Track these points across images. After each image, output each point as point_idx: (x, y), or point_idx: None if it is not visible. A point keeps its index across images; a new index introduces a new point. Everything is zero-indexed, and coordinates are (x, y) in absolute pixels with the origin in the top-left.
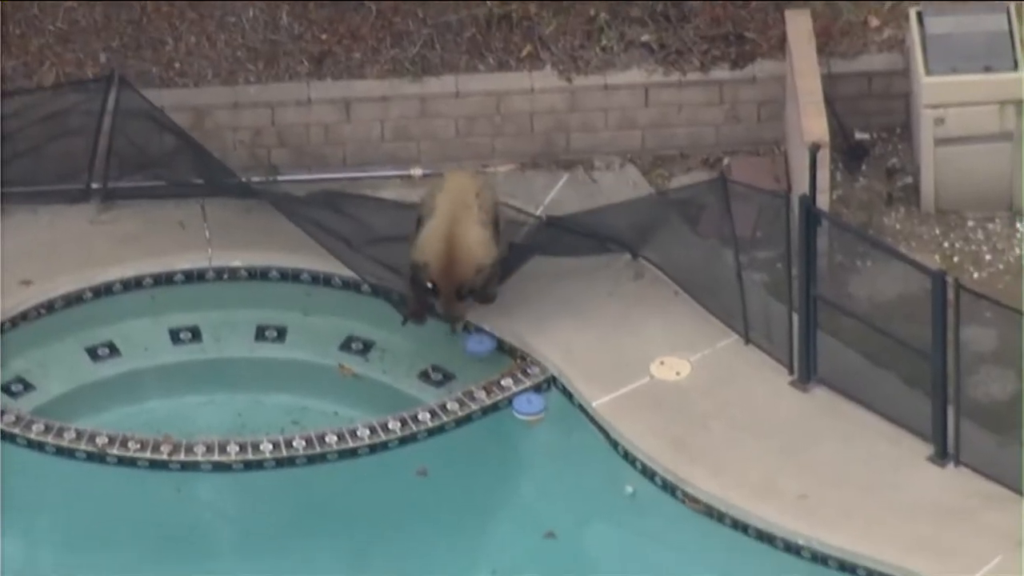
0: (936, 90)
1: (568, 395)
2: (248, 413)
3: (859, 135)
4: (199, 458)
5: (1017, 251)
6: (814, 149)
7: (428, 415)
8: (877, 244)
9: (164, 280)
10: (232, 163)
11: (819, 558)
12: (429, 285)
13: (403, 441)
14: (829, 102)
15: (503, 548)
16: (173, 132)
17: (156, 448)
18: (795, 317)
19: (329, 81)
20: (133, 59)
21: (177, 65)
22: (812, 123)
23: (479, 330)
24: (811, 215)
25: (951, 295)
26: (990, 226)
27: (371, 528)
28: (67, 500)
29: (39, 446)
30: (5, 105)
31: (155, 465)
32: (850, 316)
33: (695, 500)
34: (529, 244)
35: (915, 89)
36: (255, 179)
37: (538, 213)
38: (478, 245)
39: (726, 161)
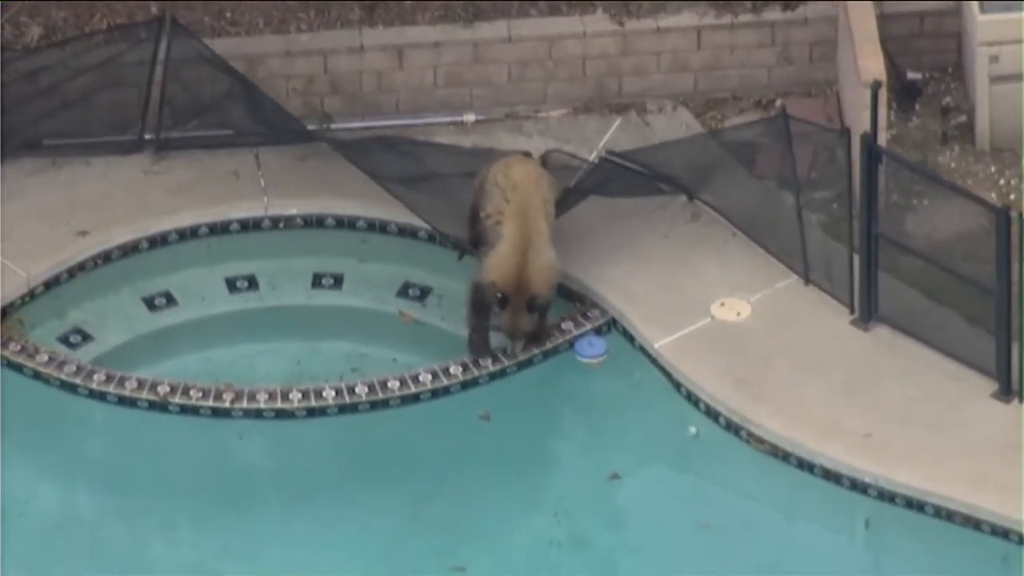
0: (991, 28)
1: (629, 337)
2: (307, 361)
3: (911, 75)
4: (262, 406)
5: None
6: (875, 86)
7: (489, 360)
8: (940, 181)
9: (220, 229)
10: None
11: (886, 496)
12: (498, 296)
13: (465, 386)
14: (881, 42)
15: (566, 491)
16: (227, 73)
17: (218, 396)
18: (855, 256)
19: (381, 28)
20: (184, 9)
21: (228, 14)
22: (869, 62)
23: None
24: (873, 152)
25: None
26: None
27: (433, 473)
28: (129, 449)
29: (100, 396)
30: (56, 55)
31: (217, 413)
32: (912, 254)
33: (760, 440)
34: (585, 184)
35: (968, 28)
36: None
37: (592, 158)
38: (549, 268)
39: (778, 102)
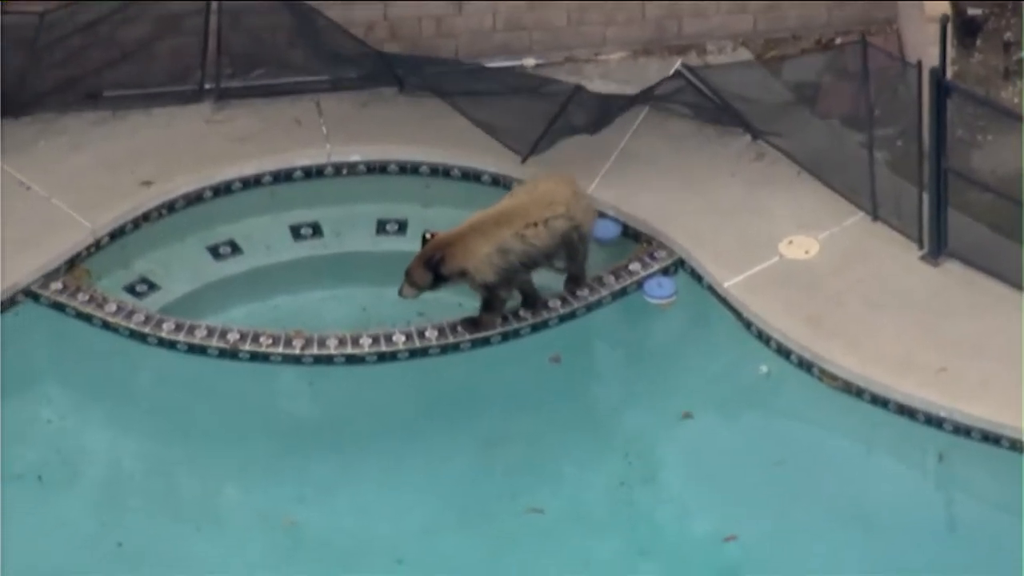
0: None
1: (697, 277)
2: (373, 307)
3: (972, 10)
4: (332, 351)
5: None
6: (944, 20)
7: (559, 302)
8: (1010, 114)
9: (283, 177)
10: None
11: (961, 430)
12: (424, 235)
13: (535, 328)
14: None
15: (637, 432)
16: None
17: (288, 343)
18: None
19: None
20: None
21: None
22: None
23: (603, 216)
24: (942, 87)
25: None
26: None
27: (504, 416)
28: (200, 397)
29: (170, 344)
30: (114, 5)
31: (288, 360)
32: (982, 188)
33: (832, 377)
34: (653, 91)
35: None
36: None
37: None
38: (477, 256)
39: (838, 41)
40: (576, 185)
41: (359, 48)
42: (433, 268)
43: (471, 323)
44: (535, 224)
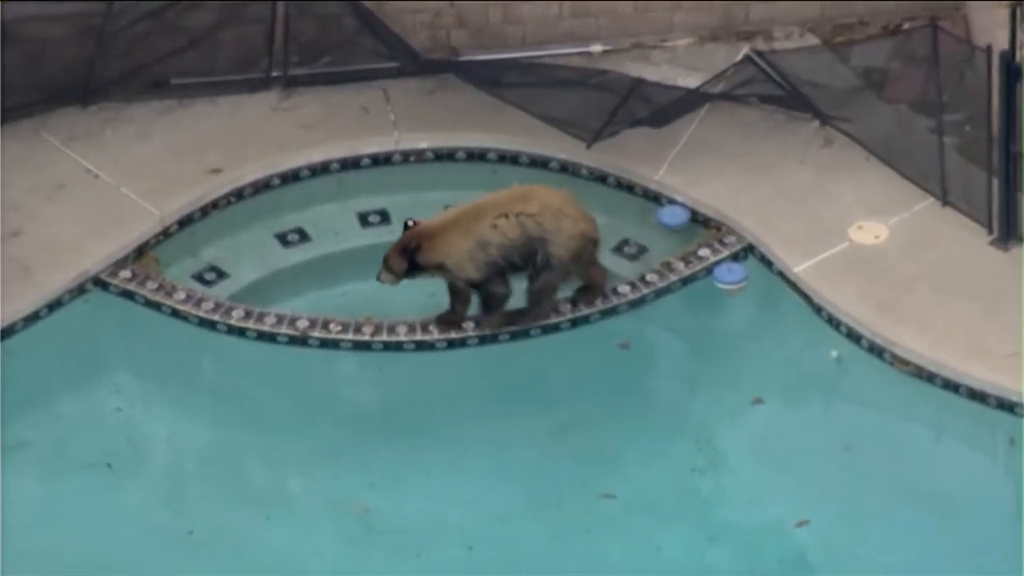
0: None
1: (767, 263)
2: (441, 293)
3: None
4: (402, 338)
5: None
6: (1014, 3)
7: (628, 288)
8: None
9: (351, 164)
10: (412, 45)
11: None
12: (407, 223)
13: (604, 314)
14: None
15: (708, 417)
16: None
17: (358, 330)
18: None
19: None
20: None
21: None
22: None
23: (672, 202)
24: (1012, 71)
25: None
26: None
27: (574, 402)
28: (269, 384)
29: (240, 332)
30: None
31: (358, 347)
32: None
33: (904, 362)
34: (724, 84)
35: None
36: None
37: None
38: (456, 251)
39: (906, 26)
40: (572, 208)
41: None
42: (409, 256)
43: (443, 319)
44: (506, 216)
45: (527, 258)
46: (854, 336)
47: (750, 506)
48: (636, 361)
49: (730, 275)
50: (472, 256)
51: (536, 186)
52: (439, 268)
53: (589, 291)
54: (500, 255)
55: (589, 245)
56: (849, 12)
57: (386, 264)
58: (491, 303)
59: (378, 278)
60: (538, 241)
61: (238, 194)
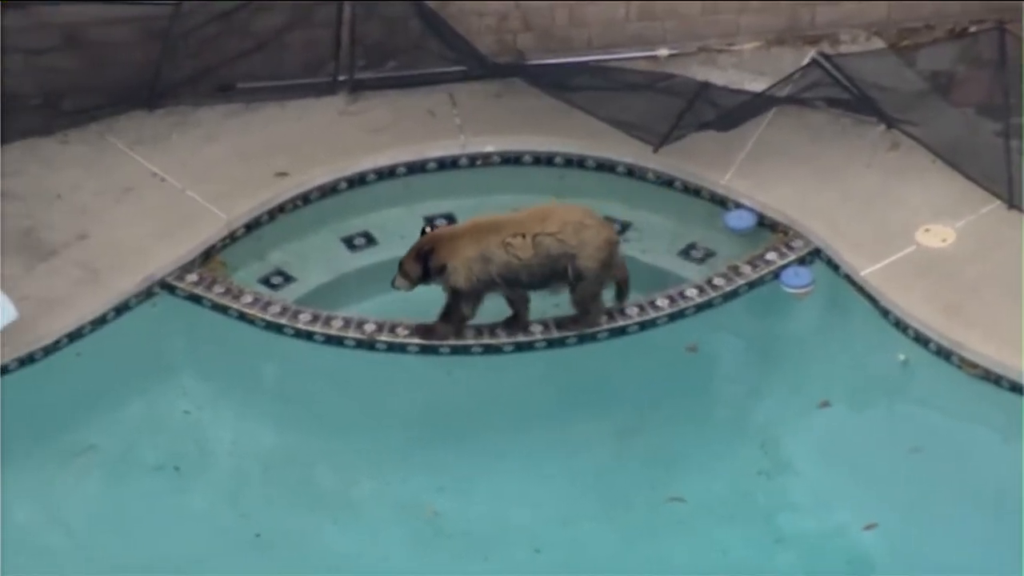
0: None
1: (834, 267)
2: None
3: None
4: (469, 342)
5: None
6: None
7: (695, 291)
8: None
9: (417, 168)
10: (478, 48)
11: None
12: (424, 228)
13: (672, 318)
14: None
15: (774, 420)
16: (415, 9)
17: None
18: None
19: None
20: None
21: None
22: None
23: (739, 206)
24: None
25: None
26: None
27: (641, 406)
28: (337, 388)
29: (307, 336)
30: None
31: (425, 350)
32: None
33: (972, 365)
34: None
35: None
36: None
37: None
38: (462, 258)
39: (972, 29)
40: (592, 219)
41: (477, 54)
42: (423, 260)
43: (425, 330)
44: (522, 235)
45: (547, 277)
46: (921, 339)
47: (817, 509)
48: (703, 364)
49: (797, 279)
50: (470, 266)
51: (553, 204)
52: (441, 271)
53: (621, 290)
54: (499, 273)
55: (615, 250)
56: (915, 15)
57: (401, 270)
58: (451, 315)
59: (393, 284)
60: (565, 258)
61: (305, 198)
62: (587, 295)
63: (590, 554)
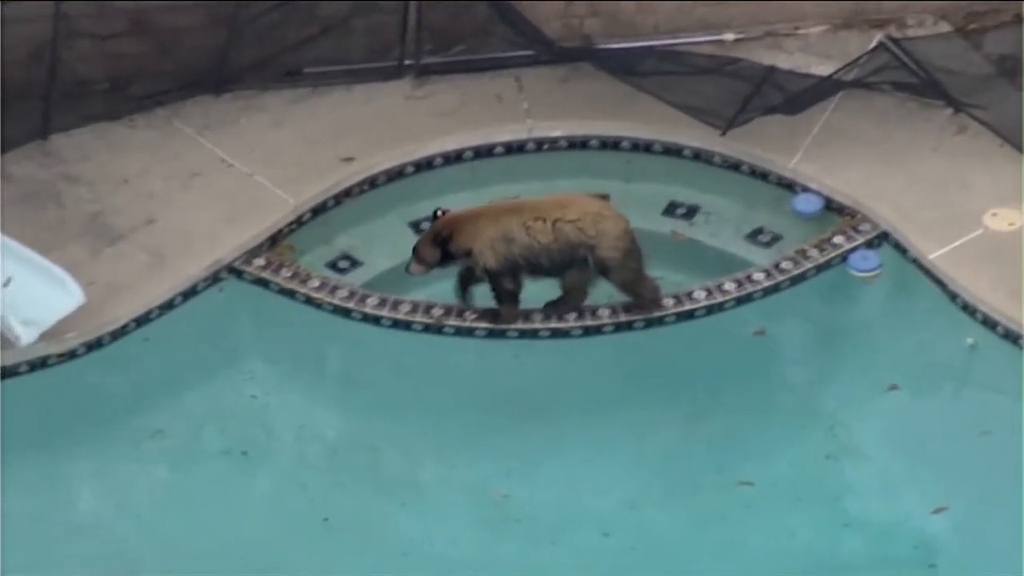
0: None
1: (902, 250)
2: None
3: None
4: (537, 326)
5: None
6: None
7: (763, 275)
8: None
9: (484, 152)
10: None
11: None
12: (435, 212)
13: (739, 302)
14: None
15: (843, 404)
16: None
17: None
18: None
19: None
20: None
21: None
22: None
23: (806, 190)
24: None
25: None
26: None
27: (709, 389)
28: (404, 372)
29: (374, 320)
30: None
31: (493, 334)
32: None
33: None
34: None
35: None
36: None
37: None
38: (482, 239)
39: None
40: (610, 210)
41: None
42: (441, 244)
43: (492, 315)
44: (543, 220)
45: (563, 264)
46: (989, 323)
47: (884, 493)
48: (770, 348)
49: (864, 262)
50: (494, 246)
51: (572, 193)
52: (467, 255)
53: (639, 296)
54: (521, 255)
55: (634, 237)
56: None
57: (416, 255)
58: (501, 296)
59: (407, 270)
60: (583, 247)
61: (371, 182)
62: (627, 281)
63: (658, 538)
